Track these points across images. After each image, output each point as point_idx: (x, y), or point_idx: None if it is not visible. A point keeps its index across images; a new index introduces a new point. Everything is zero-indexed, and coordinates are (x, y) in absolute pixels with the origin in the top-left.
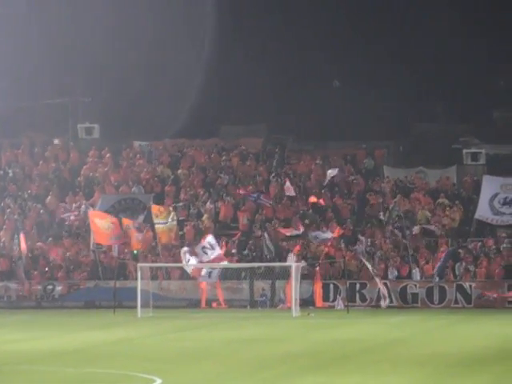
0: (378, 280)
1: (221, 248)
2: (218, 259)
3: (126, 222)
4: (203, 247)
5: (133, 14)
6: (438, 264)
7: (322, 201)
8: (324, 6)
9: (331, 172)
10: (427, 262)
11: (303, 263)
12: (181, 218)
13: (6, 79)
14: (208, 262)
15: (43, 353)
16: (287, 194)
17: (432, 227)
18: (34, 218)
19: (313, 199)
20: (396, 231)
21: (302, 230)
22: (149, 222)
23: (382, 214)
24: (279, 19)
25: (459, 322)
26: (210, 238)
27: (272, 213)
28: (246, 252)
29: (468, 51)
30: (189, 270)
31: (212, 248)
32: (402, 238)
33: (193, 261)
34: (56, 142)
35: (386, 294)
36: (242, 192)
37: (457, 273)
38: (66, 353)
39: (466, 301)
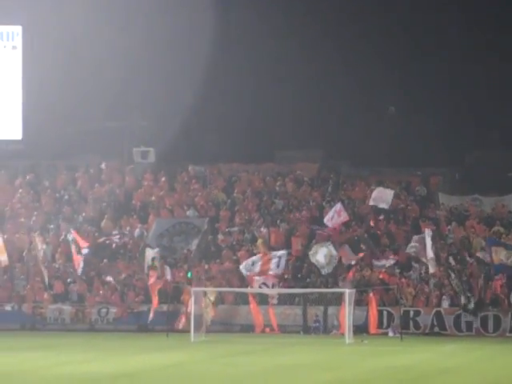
0: None
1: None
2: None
3: None
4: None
5: (187, 44)
6: None
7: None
8: (381, 35)
9: (378, 196)
10: (482, 291)
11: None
12: (234, 243)
13: (63, 103)
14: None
15: (96, 375)
16: (341, 219)
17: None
18: (88, 241)
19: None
20: (451, 258)
21: (358, 256)
22: (203, 245)
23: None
24: (339, 46)
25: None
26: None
27: (326, 238)
28: (299, 276)
29: None
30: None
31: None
32: (457, 266)
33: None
34: (112, 165)
35: None
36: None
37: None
38: (119, 376)
39: None
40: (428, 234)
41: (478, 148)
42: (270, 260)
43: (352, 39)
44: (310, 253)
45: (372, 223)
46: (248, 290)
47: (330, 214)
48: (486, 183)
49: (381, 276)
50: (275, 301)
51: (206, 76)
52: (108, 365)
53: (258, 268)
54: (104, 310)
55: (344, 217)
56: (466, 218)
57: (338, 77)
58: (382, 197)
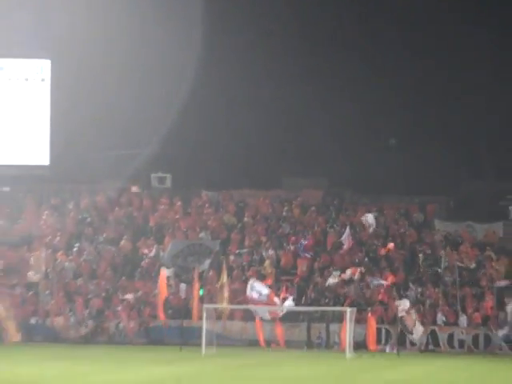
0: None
1: (281, 292)
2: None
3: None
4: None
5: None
6: None
7: (391, 247)
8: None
9: (368, 218)
10: (475, 311)
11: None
12: (244, 263)
13: (86, 131)
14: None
15: None
16: (345, 246)
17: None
18: (108, 260)
19: (387, 248)
20: (446, 279)
21: (356, 275)
22: (215, 266)
23: (437, 268)
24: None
25: (506, 368)
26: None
27: (330, 261)
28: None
29: None
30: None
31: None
32: (452, 288)
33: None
34: (131, 189)
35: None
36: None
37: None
38: None
39: (509, 348)
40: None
41: (472, 178)
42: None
43: (357, 74)
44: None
45: (385, 250)
46: (255, 307)
47: (344, 237)
48: (479, 211)
49: (380, 297)
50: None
51: (218, 108)
52: (125, 375)
53: (264, 298)
54: (121, 325)
55: (350, 241)
56: (459, 244)
57: (343, 110)
58: (368, 220)
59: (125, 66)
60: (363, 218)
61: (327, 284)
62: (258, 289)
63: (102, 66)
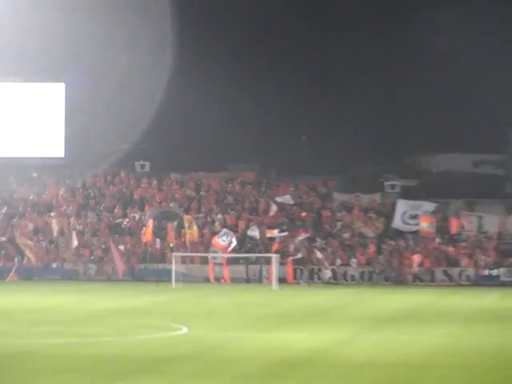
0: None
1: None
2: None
3: (166, 226)
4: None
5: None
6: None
7: (303, 214)
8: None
9: (284, 198)
10: (361, 255)
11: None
12: (200, 225)
13: (91, 132)
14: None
15: (109, 309)
16: (271, 214)
17: (366, 232)
18: (105, 223)
19: (302, 214)
20: (342, 235)
21: (277, 234)
22: (181, 226)
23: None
24: (268, 91)
25: (381, 294)
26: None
27: (261, 221)
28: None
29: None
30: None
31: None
32: (345, 239)
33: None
34: (121, 173)
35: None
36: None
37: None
38: (125, 309)
39: (385, 280)
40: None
41: (360, 162)
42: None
43: (274, 78)
44: (249, 231)
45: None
46: (210, 254)
47: (273, 207)
48: (364, 186)
49: (296, 246)
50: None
51: (186, 112)
52: (117, 302)
53: (225, 242)
54: (115, 268)
55: (274, 211)
56: (351, 209)
57: (270, 113)
58: (286, 200)
59: (117, 76)
60: (283, 198)
61: (249, 234)
62: (222, 237)
63: (102, 77)
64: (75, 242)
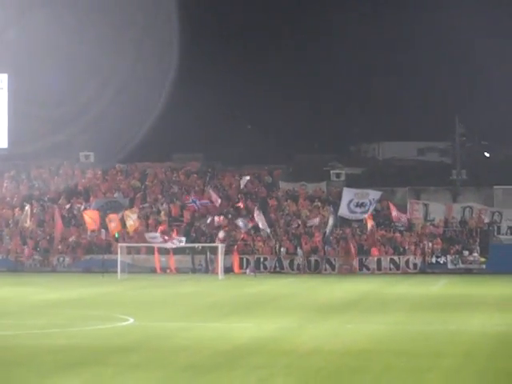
0: None
1: (172, 233)
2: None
3: (111, 217)
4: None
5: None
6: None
7: (241, 205)
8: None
9: (244, 180)
10: (306, 244)
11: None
12: (146, 214)
13: (33, 124)
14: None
15: (55, 301)
16: (213, 201)
17: (312, 221)
18: (50, 214)
19: (238, 204)
20: (290, 223)
21: (226, 221)
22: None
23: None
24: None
25: (327, 283)
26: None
27: (206, 211)
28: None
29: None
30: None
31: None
32: (291, 228)
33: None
34: (66, 164)
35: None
36: (186, 198)
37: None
38: (72, 300)
39: (331, 269)
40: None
41: (304, 151)
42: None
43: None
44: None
45: (241, 204)
46: (155, 244)
47: (213, 196)
48: (310, 174)
49: (242, 236)
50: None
51: (128, 107)
52: (63, 293)
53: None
54: (61, 259)
55: (217, 199)
56: (297, 198)
57: (216, 100)
58: (244, 181)
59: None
60: (241, 180)
61: (200, 225)
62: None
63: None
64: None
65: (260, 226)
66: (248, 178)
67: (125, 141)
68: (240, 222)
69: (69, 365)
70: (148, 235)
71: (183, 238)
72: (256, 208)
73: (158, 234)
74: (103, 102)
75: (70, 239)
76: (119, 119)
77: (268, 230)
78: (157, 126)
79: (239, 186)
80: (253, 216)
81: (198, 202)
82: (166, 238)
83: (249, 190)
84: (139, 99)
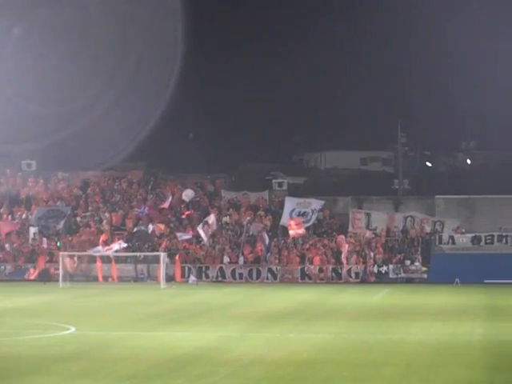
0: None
1: (113, 241)
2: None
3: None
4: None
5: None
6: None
7: (190, 213)
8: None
9: (186, 193)
10: (249, 253)
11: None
12: (88, 222)
13: None
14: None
15: None
16: (164, 206)
17: (256, 229)
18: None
19: (187, 213)
20: (230, 232)
21: (168, 230)
22: (68, 225)
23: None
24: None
25: (269, 292)
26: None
27: (148, 220)
28: (130, 245)
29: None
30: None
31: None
32: (233, 237)
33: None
34: (7, 172)
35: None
36: (136, 209)
37: (267, 259)
38: (12, 309)
39: (273, 278)
40: (211, 218)
41: (246, 160)
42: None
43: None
44: (137, 229)
45: (184, 215)
46: (98, 253)
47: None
48: (252, 183)
49: (184, 244)
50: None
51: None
52: (5, 302)
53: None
54: (2, 267)
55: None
56: (239, 207)
57: (157, 108)
58: (188, 194)
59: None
60: (184, 194)
61: (135, 230)
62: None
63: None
64: None
65: (202, 236)
66: (190, 191)
67: (66, 149)
68: (180, 236)
69: (10, 374)
70: (92, 251)
71: (124, 244)
72: (200, 225)
73: (99, 248)
74: (45, 110)
75: (10, 247)
76: (61, 127)
77: (207, 243)
78: (99, 133)
79: (181, 195)
80: (194, 227)
81: (145, 212)
82: (107, 247)
83: (191, 200)
84: (81, 107)
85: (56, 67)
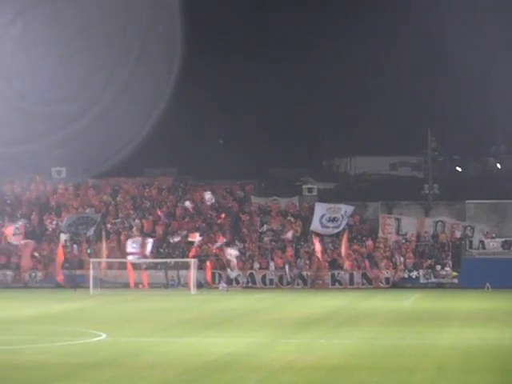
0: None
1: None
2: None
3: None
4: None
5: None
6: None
7: (222, 216)
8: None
9: (207, 196)
10: (279, 258)
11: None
12: (118, 229)
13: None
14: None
15: (27, 317)
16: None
17: (285, 235)
18: (23, 229)
19: (222, 216)
20: (264, 237)
21: (198, 238)
22: (98, 231)
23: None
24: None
25: (300, 298)
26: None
27: (178, 227)
28: (161, 251)
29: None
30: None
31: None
32: (263, 243)
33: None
34: (38, 179)
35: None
36: (159, 213)
37: (299, 265)
38: (43, 316)
39: (304, 283)
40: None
41: (276, 166)
42: (145, 244)
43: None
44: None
45: (219, 219)
46: (128, 260)
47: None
48: (282, 189)
49: (214, 251)
50: (145, 266)
51: (102, 121)
52: (36, 309)
53: (138, 249)
54: (33, 274)
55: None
56: (269, 212)
57: (188, 115)
58: (208, 198)
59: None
60: (204, 196)
61: (172, 241)
62: (132, 244)
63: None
64: None
65: (230, 256)
66: (209, 193)
67: (96, 156)
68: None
69: (40, 382)
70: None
71: (150, 240)
72: (229, 247)
73: (139, 239)
74: (76, 117)
75: (41, 255)
76: (91, 134)
77: (236, 258)
78: (129, 140)
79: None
80: (226, 232)
81: (163, 217)
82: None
83: (220, 205)
84: (112, 114)
85: (77, 68)
